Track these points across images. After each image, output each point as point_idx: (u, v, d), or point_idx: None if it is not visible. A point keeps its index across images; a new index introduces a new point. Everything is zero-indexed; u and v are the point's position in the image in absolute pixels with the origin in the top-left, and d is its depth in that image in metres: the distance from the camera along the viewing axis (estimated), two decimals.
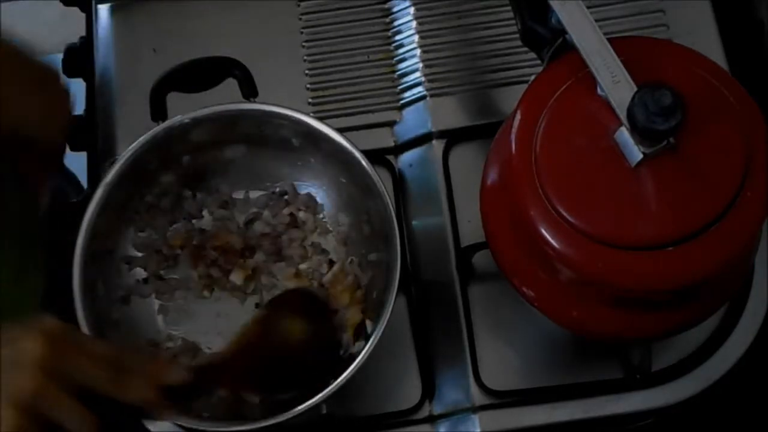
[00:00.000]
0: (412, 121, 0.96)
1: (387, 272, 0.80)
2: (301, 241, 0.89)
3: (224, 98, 0.84)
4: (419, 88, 0.96)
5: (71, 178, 1.11)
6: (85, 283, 0.80)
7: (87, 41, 1.01)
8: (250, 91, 0.84)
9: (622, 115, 0.64)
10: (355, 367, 0.76)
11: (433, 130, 0.94)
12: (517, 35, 0.76)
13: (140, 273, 0.88)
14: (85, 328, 0.78)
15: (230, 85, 0.84)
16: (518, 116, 0.70)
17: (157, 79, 0.82)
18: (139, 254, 0.88)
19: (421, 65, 0.97)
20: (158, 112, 0.84)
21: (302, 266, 0.87)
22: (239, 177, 0.90)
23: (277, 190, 0.90)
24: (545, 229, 0.67)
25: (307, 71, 0.98)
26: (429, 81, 0.96)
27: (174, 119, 0.84)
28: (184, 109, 0.84)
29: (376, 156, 0.92)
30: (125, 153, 0.83)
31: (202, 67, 0.84)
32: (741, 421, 0.88)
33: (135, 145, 0.83)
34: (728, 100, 0.67)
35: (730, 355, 0.86)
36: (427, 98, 0.96)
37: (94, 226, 0.82)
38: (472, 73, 0.96)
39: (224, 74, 0.84)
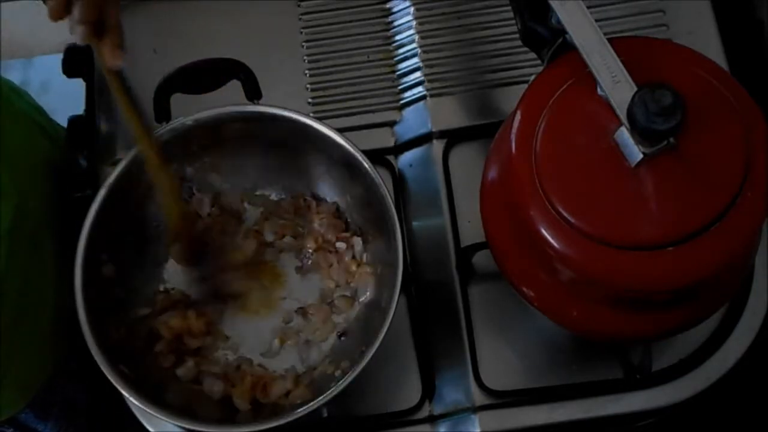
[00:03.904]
0: (412, 121, 0.96)
1: (388, 272, 0.81)
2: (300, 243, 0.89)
3: (227, 100, 0.84)
4: (419, 88, 0.96)
5: None
6: (87, 283, 0.80)
7: None
8: (253, 93, 0.84)
9: (622, 115, 0.64)
10: (356, 370, 0.76)
11: (433, 130, 0.94)
12: (517, 35, 0.76)
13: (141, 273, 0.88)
14: (86, 328, 0.78)
15: (233, 86, 0.84)
16: (518, 116, 0.70)
17: (161, 80, 0.82)
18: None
19: (421, 65, 0.97)
20: (162, 113, 0.83)
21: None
22: (242, 178, 0.90)
23: (279, 191, 0.91)
24: (545, 229, 0.67)
25: (307, 71, 0.98)
26: (429, 81, 0.96)
27: (177, 120, 0.84)
28: (186, 111, 0.84)
29: (376, 156, 0.92)
30: (129, 153, 0.83)
31: (206, 69, 0.84)
32: (741, 421, 0.88)
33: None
34: (728, 100, 0.67)
35: (730, 355, 0.86)
36: (427, 98, 0.96)
37: (96, 227, 0.82)
38: (472, 73, 0.97)
39: (229, 76, 0.84)
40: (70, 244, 0.81)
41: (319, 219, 0.89)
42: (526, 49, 0.76)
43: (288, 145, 0.87)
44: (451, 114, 0.95)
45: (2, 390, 0.91)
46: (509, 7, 0.77)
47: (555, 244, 0.66)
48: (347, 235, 0.89)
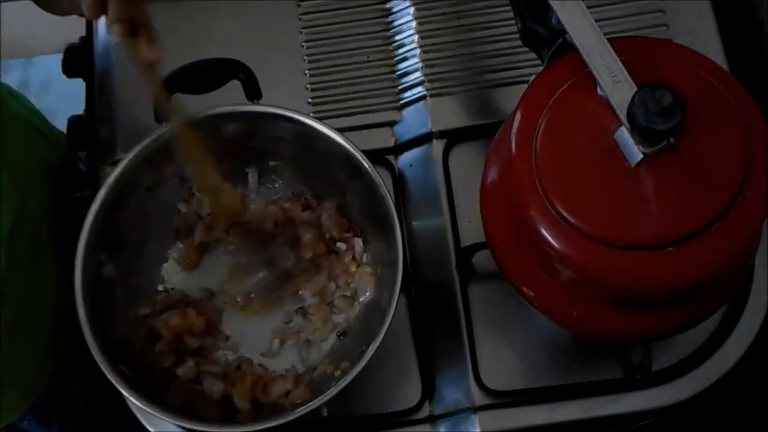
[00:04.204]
0: (412, 121, 0.96)
1: (388, 272, 0.81)
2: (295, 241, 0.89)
3: (227, 100, 0.84)
4: (419, 88, 0.96)
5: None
6: (87, 283, 0.80)
7: (87, 41, 1.01)
8: (253, 93, 0.84)
9: (622, 115, 0.64)
10: (356, 370, 0.76)
11: (433, 130, 0.94)
12: (517, 35, 0.76)
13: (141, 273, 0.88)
14: (86, 328, 0.78)
15: (233, 86, 0.84)
16: (518, 116, 0.70)
17: (161, 80, 0.82)
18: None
19: (421, 65, 0.97)
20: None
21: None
22: (242, 178, 0.90)
23: (279, 191, 0.91)
24: (545, 229, 0.67)
25: (307, 71, 0.98)
26: (429, 81, 0.96)
27: None
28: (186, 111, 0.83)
29: (376, 156, 0.92)
30: (129, 154, 0.83)
31: (207, 69, 0.84)
32: (741, 421, 0.88)
33: (139, 146, 0.83)
34: (728, 100, 0.67)
35: (730, 355, 0.86)
36: (427, 98, 0.96)
37: (96, 227, 0.82)
38: (472, 73, 0.97)
39: (229, 76, 0.84)
40: (70, 244, 0.81)
41: (321, 218, 0.89)
42: (526, 49, 0.76)
43: (288, 145, 0.87)
44: (451, 114, 0.95)
45: (3, 393, 0.91)
46: (509, 7, 0.77)
47: (555, 244, 0.66)
48: (348, 235, 0.89)
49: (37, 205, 0.93)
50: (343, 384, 0.76)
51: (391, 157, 0.95)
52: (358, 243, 0.88)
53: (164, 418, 0.77)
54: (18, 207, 0.88)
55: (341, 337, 0.86)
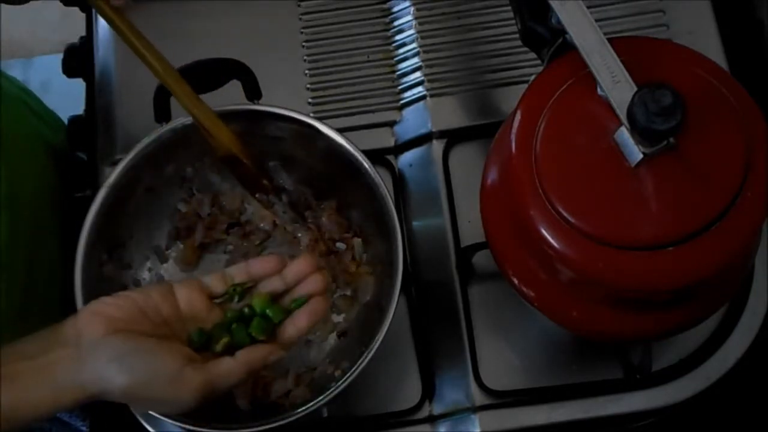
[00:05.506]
0: (412, 121, 0.96)
1: (388, 272, 0.81)
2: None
3: (227, 100, 0.84)
4: (419, 88, 0.96)
5: None
6: (87, 283, 0.80)
7: (87, 41, 1.01)
8: (253, 93, 0.84)
9: (622, 115, 0.64)
10: (356, 370, 0.76)
11: (433, 130, 0.94)
12: (517, 35, 0.76)
13: (141, 273, 0.88)
14: None
15: (233, 86, 0.84)
16: (518, 116, 0.70)
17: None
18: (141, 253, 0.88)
19: (421, 65, 0.97)
20: (162, 113, 0.84)
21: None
22: None
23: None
24: (545, 229, 0.67)
25: (307, 71, 0.98)
26: (429, 81, 0.96)
27: (177, 121, 0.84)
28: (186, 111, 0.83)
29: (376, 156, 0.92)
30: (129, 154, 0.83)
31: (207, 69, 0.84)
32: (741, 421, 0.88)
33: (139, 146, 0.83)
34: (728, 100, 0.67)
35: (730, 355, 0.86)
36: (427, 98, 0.96)
37: (96, 227, 0.82)
38: (472, 73, 0.96)
39: (229, 76, 0.84)
40: (70, 244, 0.81)
41: (321, 218, 0.89)
42: (526, 49, 0.76)
43: (288, 144, 0.87)
44: (451, 114, 0.95)
45: None
46: (509, 7, 0.77)
47: (555, 244, 0.66)
48: (348, 235, 0.89)
49: (34, 178, 0.92)
50: (343, 384, 0.76)
51: (391, 157, 0.95)
52: (358, 243, 0.88)
53: (164, 418, 0.77)
54: (12, 177, 0.87)
55: (341, 337, 0.86)
